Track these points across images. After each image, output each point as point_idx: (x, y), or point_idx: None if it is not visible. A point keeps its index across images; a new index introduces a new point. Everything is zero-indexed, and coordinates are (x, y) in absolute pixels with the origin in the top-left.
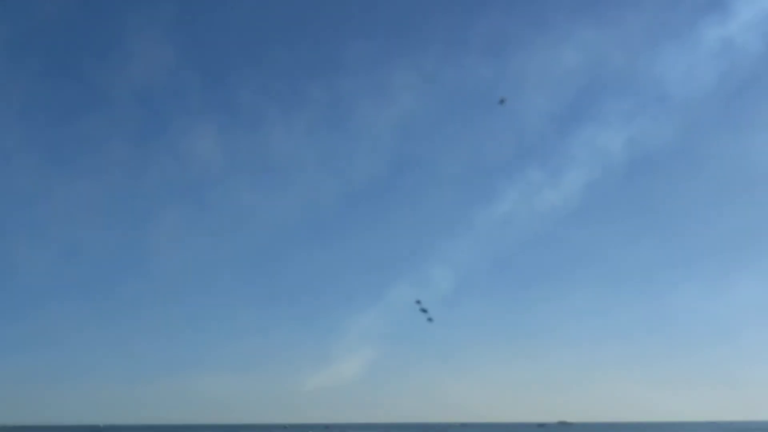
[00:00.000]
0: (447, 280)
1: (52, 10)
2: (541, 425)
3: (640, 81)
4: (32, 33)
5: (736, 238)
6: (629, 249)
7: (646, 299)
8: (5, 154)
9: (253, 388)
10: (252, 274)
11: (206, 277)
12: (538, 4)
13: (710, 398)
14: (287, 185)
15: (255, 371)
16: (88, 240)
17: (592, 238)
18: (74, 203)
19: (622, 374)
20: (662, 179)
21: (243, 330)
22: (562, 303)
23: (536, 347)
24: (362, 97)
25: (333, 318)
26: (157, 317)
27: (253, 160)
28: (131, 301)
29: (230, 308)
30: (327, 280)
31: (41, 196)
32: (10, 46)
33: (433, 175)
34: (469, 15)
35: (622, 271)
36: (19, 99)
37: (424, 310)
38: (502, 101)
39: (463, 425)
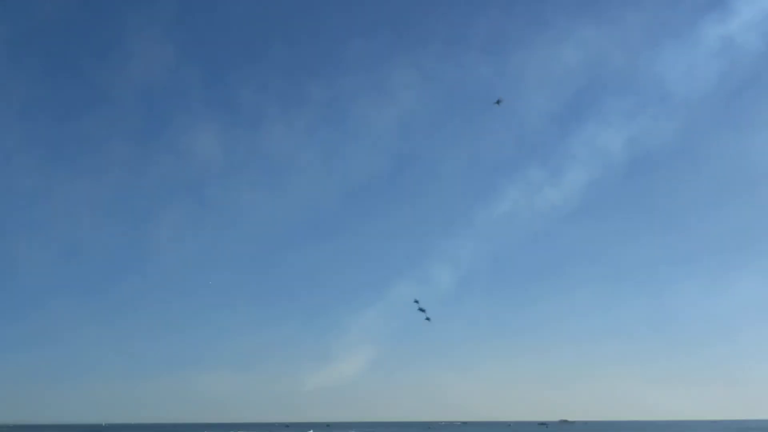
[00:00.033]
0: (448, 278)
1: (53, 9)
2: (542, 424)
3: (640, 80)
4: (33, 33)
5: (737, 237)
6: (630, 247)
7: (647, 298)
8: (6, 153)
9: (255, 387)
10: (252, 273)
11: (207, 275)
12: (537, 2)
13: (711, 396)
14: (287, 183)
15: (256, 370)
16: (88, 238)
17: (592, 237)
18: (75, 202)
19: (623, 372)
20: (662, 178)
21: (244, 328)
22: (563, 301)
23: (537, 346)
24: (362, 95)
25: (334, 316)
26: (158, 315)
27: (253, 158)
28: (132, 299)
29: (231, 306)
30: (327, 278)
31: (42, 195)
32: (11, 46)
33: (433, 173)
34: (469, 13)
35: (622, 269)
36: (20, 98)
37: (422, 310)
38: (498, 102)
39: (464, 424)
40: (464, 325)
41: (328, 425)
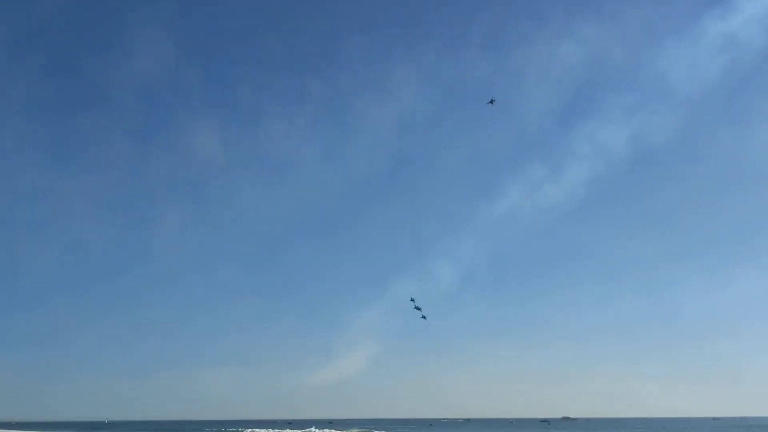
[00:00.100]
0: (449, 275)
1: (54, 7)
2: (544, 420)
3: (641, 76)
4: (34, 31)
5: (738, 233)
6: (631, 244)
7: (649, 294)
8: (8, 150)
9: (257, 384)
10: (253, 270)
11: (208, 272)
12: None
13: (712, 393)
14: (288, 180)
15: (258, 367)
16: (89, 236)
17: (594, 234)
18: (76, 199)
19: (625, 369)
20: (664, 174)
21: (245, 326)
22: (565, 298)
23: (539, 343)
24: (362, 92)
25: (335, 313)
26: (160, 313)
27: (253, 155)
28: (133, 296)
29: (232, 304)
30: (328, 275)
31: (43, 193)
32: (12, 44)
33: (433, 170)
34: (469, 10)
35: (624, 266)
36: (21, 96)
37: (418, 308)
38: (491, 101)
39: (467, 421)
40: (466, 323)
41: (330, 422)
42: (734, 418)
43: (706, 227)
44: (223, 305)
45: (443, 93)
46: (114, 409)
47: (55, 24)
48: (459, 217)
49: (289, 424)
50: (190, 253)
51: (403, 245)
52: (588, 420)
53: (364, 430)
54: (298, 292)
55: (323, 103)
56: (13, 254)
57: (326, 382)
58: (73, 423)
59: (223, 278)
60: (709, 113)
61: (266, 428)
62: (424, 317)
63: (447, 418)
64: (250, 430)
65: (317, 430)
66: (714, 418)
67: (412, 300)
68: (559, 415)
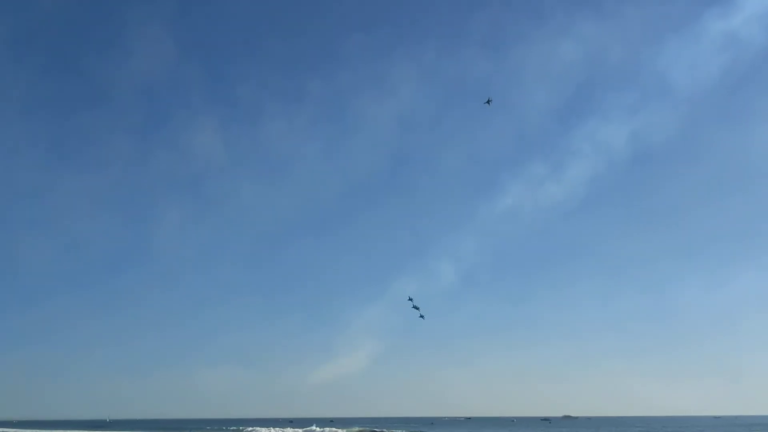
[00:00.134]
0: (450, 273)
1: (53, 6)
2: (545, 419)
3: (642, 75)
4: (34, 30)
5: (738, 231)
6: (631, 242)
7: (649, 292)
8: (8, 148)
9: (258, 382)
10: (253, 268)
11: (208, 270)
12: None
13: (713, 392)
14: (288, 178)
15: (259, 365)
16: (89, 234)
17: (594, 232)
18: (76, 197)
19: (626, 367)
20: (664, 172)
21: (246, 324)
22: (565, 297)
23: (540, 341)
24: (362, 90)
25: (336, 312)
26: (160, 310)
27: (253, 153)
28: (134, 295)
29: (233, 302)
30: (329, 273)
31: (43, 191)
32: (12, 43)
33: (433, 168)
34: (468, 8)
35: (624, 264)
36: (21, 95)
37: (416, 308)
38: (488, 101)
39: (468, 419)
40: (466, 321)
41: (331, 420)
42: (735, 417)
43: (706, 225)
44: (224, 303)
45: (443, 91)
46: (115, 407)
47: (55, 22)
48: (459, 215)
49: (290, 422)
50: (191, 251)
51: (403, 243)
52: (589, 418)
53: (365, 428)
54: (298, 291)
55: (323, 102)
56: (14, 252)
57: (327, 381)
58: (75, 422)
59: (223, 276)
60: (710, 112)
61: (267, 427)
62: (422, 317)
63: (448, 417)
64: (251, 428)
65: (318, 428)
66: (715, 417)
67: (410, 299)
68: (560, 414)
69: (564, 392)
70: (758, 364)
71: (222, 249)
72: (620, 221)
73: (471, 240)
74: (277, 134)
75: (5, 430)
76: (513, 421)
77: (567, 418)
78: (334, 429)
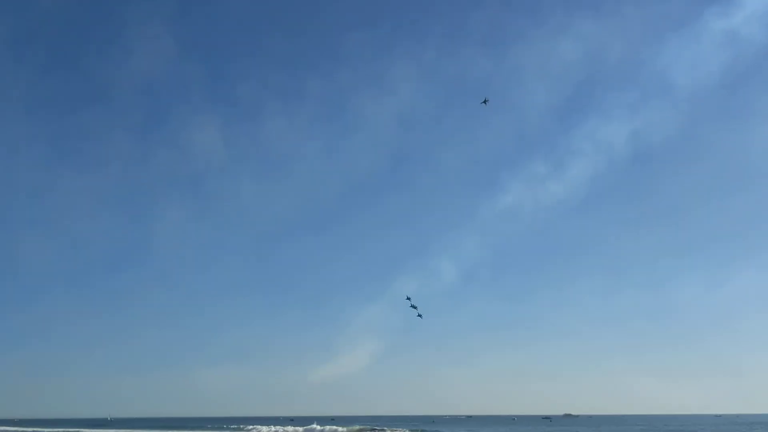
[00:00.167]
0: (451, 272)
1: (53, 4)
2: (546, 417)
3: (642, 73)
4: (34, 28)
5: (739, 229)
6: (632, 240)
7: (650, 290)
8: (8, 147)
9: (259, 381)
10: (253, 267)
11: (208, 269)
12: None
13: (714, 390)
14: (288, 177)
15: (260, 363)
16: (89, 232)
17: (595, 230)
18: (76, 196)
19: (627, 366)
20: (665, 171)
21: (247, 322)
22: (566, 295)
23: (541, 339)
24: (361, 89)
25: (337, 310)
26: (161, 309)
27: (253, 152)
28: (134, 293)
29: (233, 301)
30: (330, 272)
31: (44, 190)
32: (12, 42)
33: (434, 167)
34: (467, 6)
35: (625, 262)
36: (21, 93)
37: (414, 307)
38: (485, 101)
39: (469, 417)
40: (468, 319)
41: (332, 419)
42: (736, 415)
43: (706, 224)
44: (225, 302)
45: (443, 90)
46: (116, 405)
47: (55, 21)
48: (460, 214)
49: (291, 420)
50: (191, 249)
51: (403, 242)
52: (590, 417)
53: (365, 426)
54: (298, 289)
55: (323, 100)
56: (14, 251)
57: (328, 379)
58: (76, 420)
59: (223, 275)
60: (710, 110)
61: (268, 425)
62: (420, 316)
63: (449, 415)
64: (251, 426)
65: (319, 426)
66: (716, 415)
67: (408, 299)
68: (561, 412)
69: (565, 391)
70: (759, 362)
71: (222, 247)
72: (620, 220)
73: (471, 239)
74: (277, 133)
75: (6, 428)
76: (514, 419)
77: (568, 416)
78: (335, 427)
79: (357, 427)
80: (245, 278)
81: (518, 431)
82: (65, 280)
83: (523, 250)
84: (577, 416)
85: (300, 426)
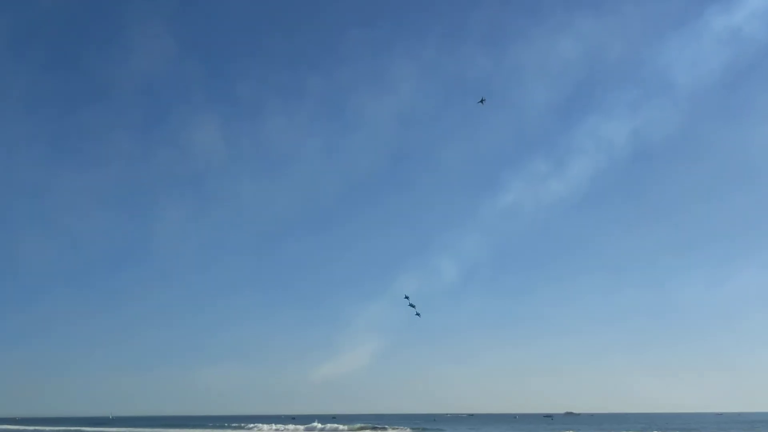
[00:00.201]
0: (452, 270)
1: (53, 3)
2: (547, 416)
3: (643, 71)
4: (33, 26)
5: (740, 227)
6: (633, 238)
7: (650, 288)
8: (8, 146)
9: (260, 379)
10: (254, 265)
11: (209, 267)
12: None
13: (715, 389)
14: (288, 175)
15: (261, 362)
16: (90, 231)
17: (596, 228)
18: (76, 195)
19: (628, 364)
20: (666, 169)
21: (248, 321)
22: (567, 293)
23: (542, 338)
24: (361, 87)
25: (338, 308)
26: (162, 307)
27: (253, 150)
28: (134, 292)
29: (234, 299)
30: (331, 270)
31: (43, 188)
32: (12, 39)
33: (434, 165)
34: (467, 5)
35: (626, 260)
36: (21, 92)
37: (412, 306)
38: (482, 101)
39: (470, 416)
40: (468, 317)
41: (333, 417)
42: (738, 414)
43: (707, 222)
44: (225, 300)
45: (443, 88)
46: (117, 404)
47: (54, 19)
48: (460, 212)
49: (293, 419)
50: (191, 248)
51: (403, 240)
52: (591, 415)
53: (367, 425)
54: (299, 288)
55: (323, 98)
56: (14, 250)
57: (329, 378)
58: (78, 418)
59: (224, 273)
60: (711, 109)
61: (269, 423)
62: (418, 314)
63: (450, 414)
64: (252, 425)
65: (320, 425)
66: (717, 414)
67: (407, 297)
68: (562, 411)
69: (566, 389)
70: (760, 360)
71: (223, 246)
72: (621, 218)
73: (472, 237)
74: (277, 131)
75: (8, 427)
76: (515, 417)
77: (569, 414)
78: (336, 426)
79: (358, 425)
80: (245, 277)
81: (520, 429)
82: (65, 278)
83: (524, 248)
84: (579, 414)
85: (301, 424)
